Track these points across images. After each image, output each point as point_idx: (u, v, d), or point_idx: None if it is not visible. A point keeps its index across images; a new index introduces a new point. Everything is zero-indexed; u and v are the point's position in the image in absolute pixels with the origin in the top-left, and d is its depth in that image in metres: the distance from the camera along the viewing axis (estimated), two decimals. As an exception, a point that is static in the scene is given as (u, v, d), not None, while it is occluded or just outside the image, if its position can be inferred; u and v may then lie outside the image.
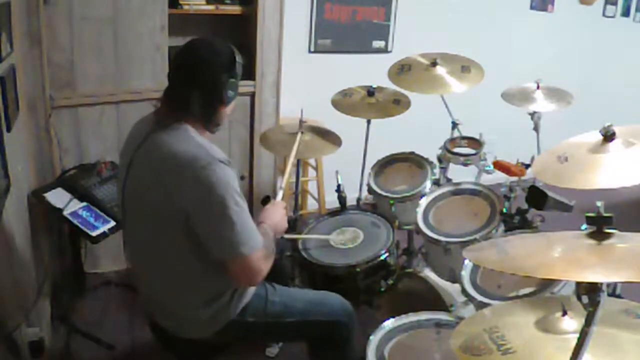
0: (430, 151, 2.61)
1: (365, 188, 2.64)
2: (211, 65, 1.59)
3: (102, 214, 2.40)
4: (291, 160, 2.18)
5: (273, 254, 1.66)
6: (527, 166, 2.37)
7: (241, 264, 1.53)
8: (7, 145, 1.80)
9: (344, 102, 2.62)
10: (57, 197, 2.41)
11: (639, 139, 1.21)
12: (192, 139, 1.56)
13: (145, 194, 1.57)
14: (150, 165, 1.57)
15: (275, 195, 1.95)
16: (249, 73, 2.99)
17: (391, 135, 2.95)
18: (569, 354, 1.03)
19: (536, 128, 2.56)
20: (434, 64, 2.51)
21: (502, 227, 2.15)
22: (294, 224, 2.38)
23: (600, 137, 1.24)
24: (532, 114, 2.54)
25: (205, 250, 1.55)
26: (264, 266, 1.57)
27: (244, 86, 2.94)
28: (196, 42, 1.66)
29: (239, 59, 1.64)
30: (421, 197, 2.38)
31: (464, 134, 2.62)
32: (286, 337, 2.05)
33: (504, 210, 2.17)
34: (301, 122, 2.35)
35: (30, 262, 2.18)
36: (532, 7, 4.15)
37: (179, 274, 1.62)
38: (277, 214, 1.80)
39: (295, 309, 1.78)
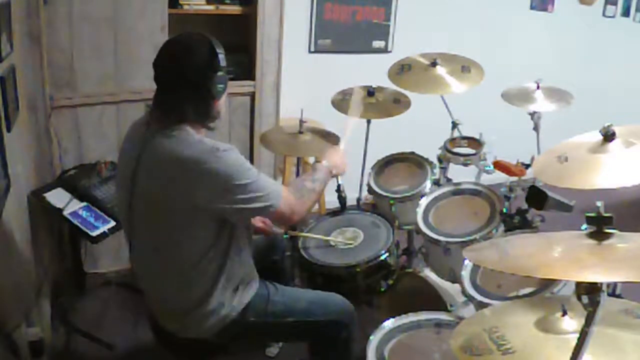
0: (430, 151, 2.61)
1: (365, 188, 2.63)
2: (191, 66, 1.57)
3: (102, 214, 2.40)
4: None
5: (314, 188, 1.78)
6: (527, 166, 2.37)
7: (276, 215, 1.65)
8: (7, 145, 1.80)
9: (344, 102, 2.62)
10: (57, 197, 2.41)
11: (639, 139, 1.21)
12: (193, 138, 1.57)
13: (159, 198, 1.58)
14: (159, 173, 1.57)
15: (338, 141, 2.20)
16: (249, 73, 2.99)
17: (391, 135, 2.94)
18: (569, 354, 1.03)
19: (536, 128, 2.56)
20: (434, 64, 2.51)
21: (502, 227, 2.15)
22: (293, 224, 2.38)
23: (600, 137, 1.24)
24: (532, 114, 2.54)
25: (215, 249, 1.59)
26: (299, 205, 1.70)
27: (244, 86, 2.94)
28: (171, 45, 1.63)
29: (219, 49, 1.61)
30: (421, 197, 2.38)
31: (464, 134, 2.62)
32: (287, 337, 2.05)
33: (504, 210, 2.17)
34: (301, 122, 2.35)
35: (30, 262, 2.18)
36: (532, 7, 4.14)
37: (185, 274, 1.63)
38: (337, 155, 1.98)
39: (296, 309, 1.79)
